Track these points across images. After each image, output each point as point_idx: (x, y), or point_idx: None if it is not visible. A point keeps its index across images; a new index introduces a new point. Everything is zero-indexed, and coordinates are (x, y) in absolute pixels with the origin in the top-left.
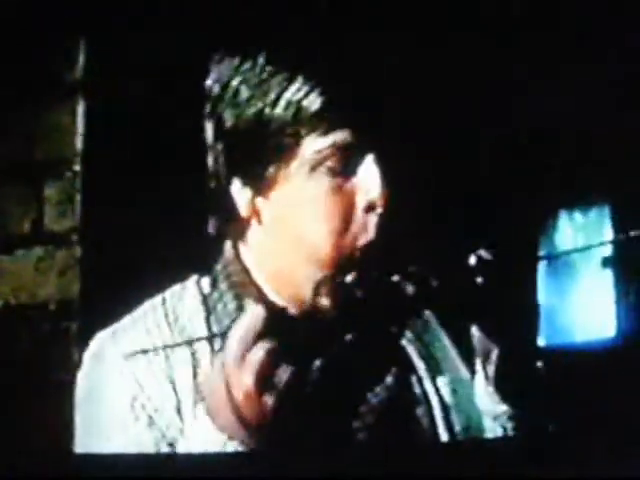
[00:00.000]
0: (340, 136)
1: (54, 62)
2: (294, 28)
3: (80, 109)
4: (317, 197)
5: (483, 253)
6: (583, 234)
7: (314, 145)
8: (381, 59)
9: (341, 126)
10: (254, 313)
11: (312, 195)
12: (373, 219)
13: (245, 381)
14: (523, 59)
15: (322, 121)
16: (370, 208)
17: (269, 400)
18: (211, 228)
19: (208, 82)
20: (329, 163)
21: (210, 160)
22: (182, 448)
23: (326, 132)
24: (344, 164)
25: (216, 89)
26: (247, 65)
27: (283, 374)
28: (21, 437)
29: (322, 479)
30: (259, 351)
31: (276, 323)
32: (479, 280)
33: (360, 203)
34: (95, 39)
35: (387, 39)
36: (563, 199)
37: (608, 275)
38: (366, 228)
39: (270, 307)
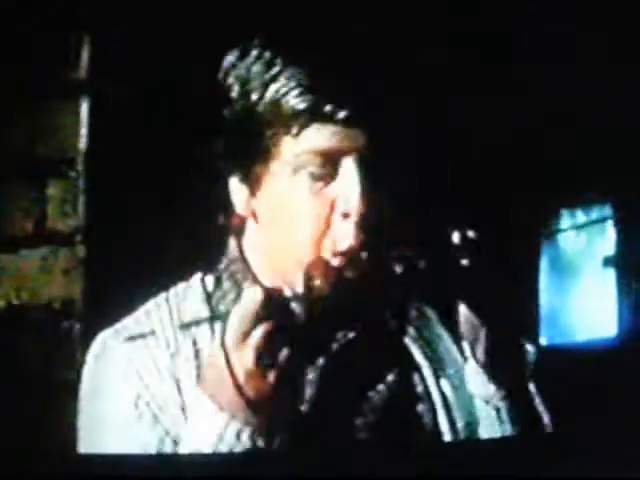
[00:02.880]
0: (316, 140)
1: (57, 61)
2: (282, 25)
3: (83, 108)
4: (298, 199)
5: (470, 233)
6: (585, 233)
7: (293, 148)
8: (363, 59)
9: (318, 123)
10: (252, 295)
11: (294, 196)
12: (350, 225)
13: (246, 361)
14: (522, 57)
15: (299, 120)
16: (346, 215)
17: (270, 378)
18: (219, 223)
19: (219, 74)
20: (310, 167)
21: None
22: (185, 432)
23: (303, 130)
24: (324, 168)
25: (229, 76)
26: (241, 62)
27: (283, 354)
28: (24, 437)
29: (325, 477)
30: (259, 332)
31: (274, 305)
32: (465, 260)
33: (338, 209)
34: (99, 38)
35: (370, 38)
36: (564, 198)
37: (610, 274)
38: (345, 232)
39: (268, 289)
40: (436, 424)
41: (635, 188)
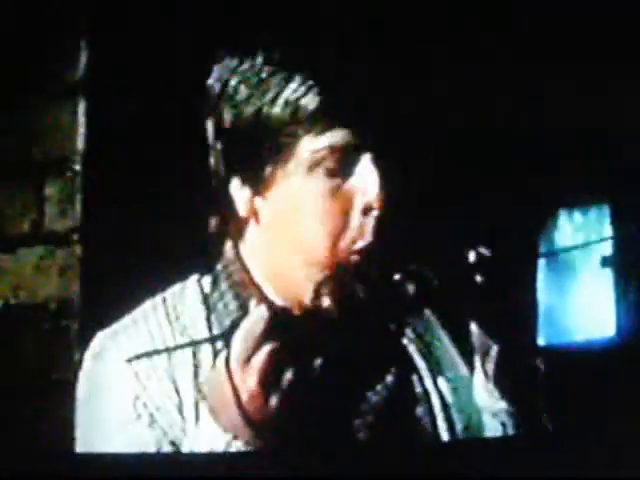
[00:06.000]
0: (337, 136)
1: (55, 61)
2: (292, 28)
3: (81, 108)
4: (314, 197)
5: (482, 250)
6: (583, 233)
7: (311, 145)
8: (379, 59)
9: (338, 126)
10: (257, 314)
11: (309, 195)
12: (371, 220)
13: (250, 382)
14: (524, 58)
15: (319, 121)
16: (367, 210)
17: (273, 401)
18: (212, 227)
19: (209, 81)
20: (326, 163)
21: (211, 159)
22: (186, 448)
23: (323, 132)
24: (341, 165)
25: (216, 88)
26: (246, 65)
27: (287, 376)
28: (22, 437)
29: (323, 478)
30: (263, 353)
31: (279, 324)
32: (478, 277)
33: (358, 205)
34: (96, 38)
35: (385, 39)
36: (563, 198)
37: (608, 274)
38: (364, 229)
39: (273, 308)
40: (435, 426)
41: (632, 188)
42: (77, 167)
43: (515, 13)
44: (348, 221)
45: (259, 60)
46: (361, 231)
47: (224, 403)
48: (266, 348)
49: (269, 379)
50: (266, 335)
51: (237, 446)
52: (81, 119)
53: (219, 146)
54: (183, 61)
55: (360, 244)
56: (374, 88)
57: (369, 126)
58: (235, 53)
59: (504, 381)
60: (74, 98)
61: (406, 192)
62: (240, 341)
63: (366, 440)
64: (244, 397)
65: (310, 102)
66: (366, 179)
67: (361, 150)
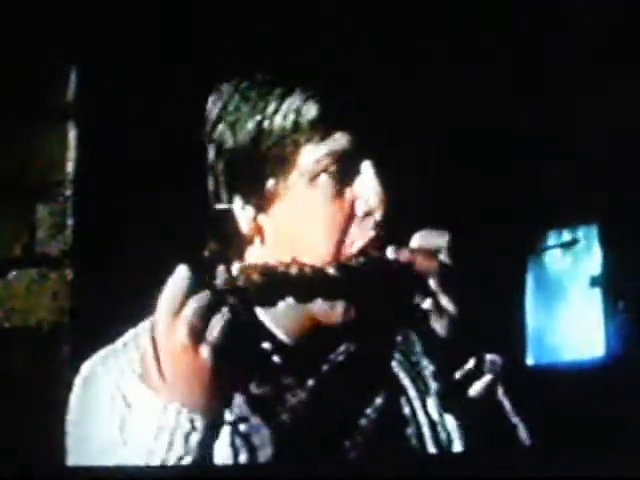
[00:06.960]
0: (338, 142)
1: (45, 86)
2: (290, 40)
3: (71, 133)
4: (316, 206)
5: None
6: (571, 253)
7: (313, 153)
8: (377, 64)
9: (339, 131)
10: (180, 272)
11: (311, 204)
12: (370, 224)
13: (180, 336)
14: (516, 79)
15: (320, 128)
16: (368, 214)
17: (205, 351)
18: (209, 250)
19: (208, 104)
20: (328, 172)
21: (210, 181)
22: (128, 422)
23: (324, 138)
24: (342, 172)
25: (215, 111)
26: (245, 83)
27: (217, 324)
28: (11, 458)
29: None
30: (191, 305)
31: (207, 277)
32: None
33: (359, 210)
34: (87, 64)
35: (383, 44)
36: (551, 218)
37: (596, 294)
38: (364, 233)
39: (195, 268)
40: (423, 445)
41: (620, 208)
42: (67, 191)
43: (515, 13)
44: (350, 225)
45: (258, 78)
46: (361, 232)
47: (152, 366)
48: (194, 300)
49: (199, 329)
50: (191, 290)
51: (174, 408)
52: (71, 143)
53: (220, 167)
54: (176, 86)
55: (358, 245)
56: (374, 92)
57: (369, 131)
58: (234, 75)
59: (446, 388)
60: (64, 123)
61: (405, 196)
62: (165, 300)
63: (355, 461)
64: (175, 352)
65: (310, 110)
66: (367, 185)
67: (362, 156)
